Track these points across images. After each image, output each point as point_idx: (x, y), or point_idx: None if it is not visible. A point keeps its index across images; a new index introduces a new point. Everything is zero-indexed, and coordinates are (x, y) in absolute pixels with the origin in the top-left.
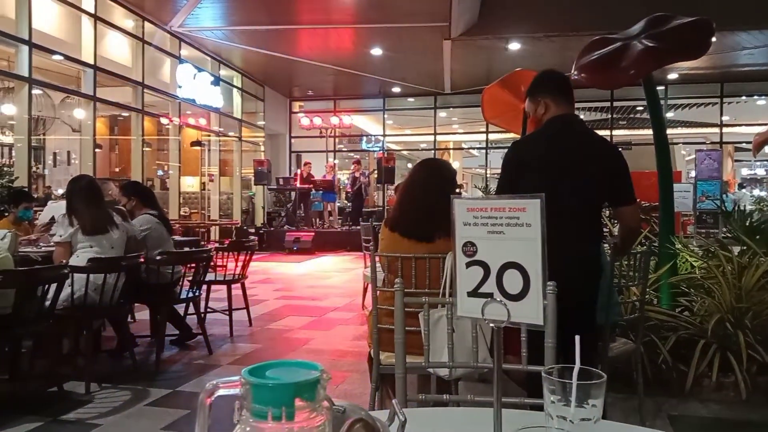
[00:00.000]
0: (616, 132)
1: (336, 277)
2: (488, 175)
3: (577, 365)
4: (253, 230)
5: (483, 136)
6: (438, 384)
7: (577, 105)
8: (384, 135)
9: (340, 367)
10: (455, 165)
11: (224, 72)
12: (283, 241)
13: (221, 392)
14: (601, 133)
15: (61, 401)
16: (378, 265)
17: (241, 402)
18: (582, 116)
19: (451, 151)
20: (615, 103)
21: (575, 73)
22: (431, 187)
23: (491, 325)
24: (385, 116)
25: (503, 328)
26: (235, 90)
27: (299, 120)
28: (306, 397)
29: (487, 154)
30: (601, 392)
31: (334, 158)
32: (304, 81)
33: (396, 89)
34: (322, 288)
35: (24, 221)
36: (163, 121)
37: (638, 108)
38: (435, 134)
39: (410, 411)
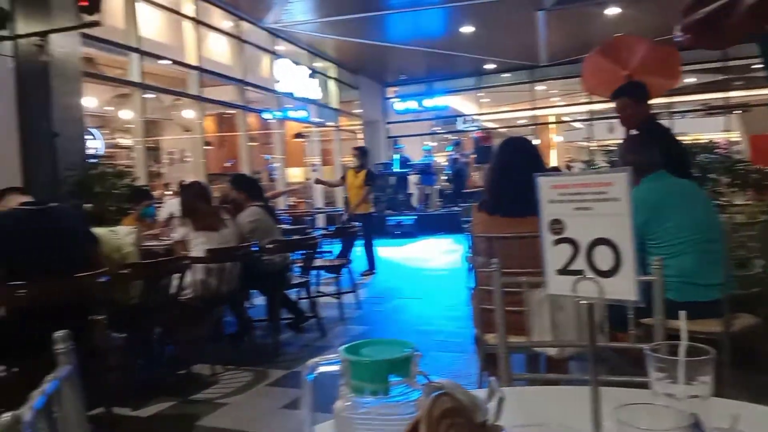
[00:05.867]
0: (732, 93)
1: (439, 259)
2: (593, 148)
3: (684, 342)
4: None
5: (586, 107)
6: (548, 364)
7: (685, 68)
8: (480, 114)
9: (447, 348)
10: (557, 139)
11: (319, 64)
12: (385, 225)
13: (323, 369)
14: (715, 95)
15: (190, 383)
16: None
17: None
18: (694, 79)
19: (552, 125)
20: (730, 63)
21: (679, 34)
22: (517, 164)
23: (582, 302)
24: (481, 94)
25: None
26: (330, 80)
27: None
28: (400, 373)
29: (591, 126)
30: (709, 369)
31: (431, 141)
32: (397, 66)
33: (490, 66)
34: (426, 270)
35: (147, 218)
36: (265, 115)
37: (753, 66)
38: (533, 109)
39: (512, 389)
